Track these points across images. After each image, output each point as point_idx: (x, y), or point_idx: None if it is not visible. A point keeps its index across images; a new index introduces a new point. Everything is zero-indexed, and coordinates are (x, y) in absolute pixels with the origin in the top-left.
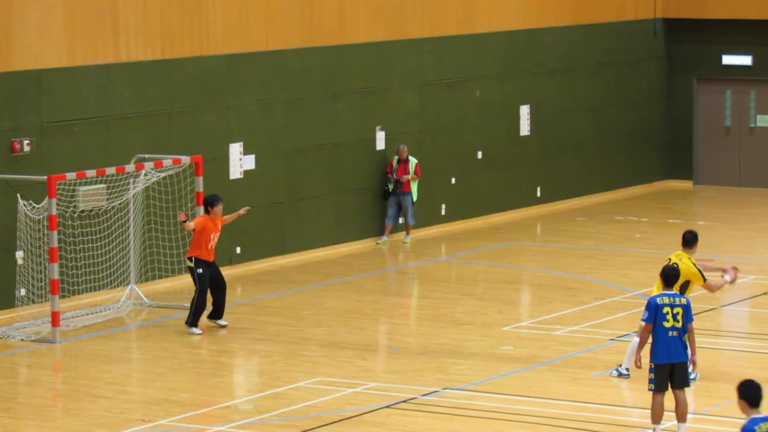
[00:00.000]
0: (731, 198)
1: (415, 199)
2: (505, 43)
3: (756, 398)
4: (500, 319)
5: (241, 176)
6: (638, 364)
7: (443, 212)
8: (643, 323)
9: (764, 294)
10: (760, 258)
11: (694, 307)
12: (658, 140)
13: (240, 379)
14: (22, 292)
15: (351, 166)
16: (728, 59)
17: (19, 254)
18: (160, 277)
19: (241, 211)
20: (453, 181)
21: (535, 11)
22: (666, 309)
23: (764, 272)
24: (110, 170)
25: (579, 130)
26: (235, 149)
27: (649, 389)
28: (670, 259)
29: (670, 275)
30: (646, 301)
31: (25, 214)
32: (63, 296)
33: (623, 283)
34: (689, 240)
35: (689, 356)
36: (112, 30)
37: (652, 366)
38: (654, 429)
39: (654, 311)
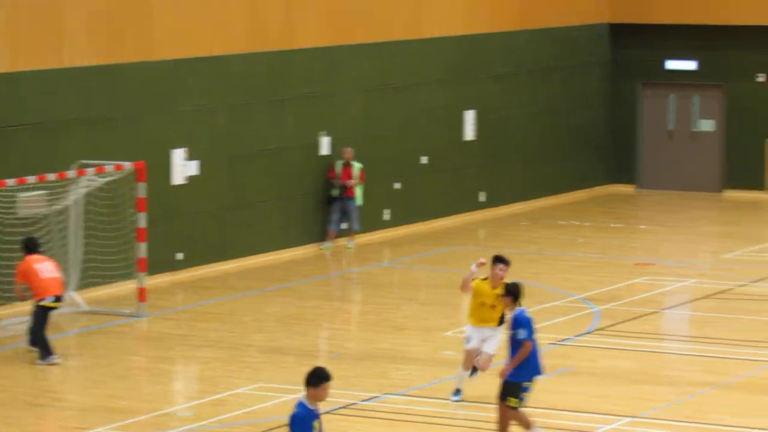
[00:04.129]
0: (674, 202)
1: (359, 204)
2: (451, 49)
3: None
4: (442, 323)
5: (185, 182)
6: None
7: (387, 217)
8: (526, 341)
9: (705, 297)
10: (702, 262)
11: (636, 311)
12: (602, 145)
13: (179, 386)
14: None
15: (295, 171)
16: (672, 64)
17: None
18: (100, 284)
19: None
20: (397, 186)
21: (481, 16)
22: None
23: (705, 276)
24: (51, 176)
25: (523, 134)
26: (179, 155)
27: (515, 406)
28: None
29: (522, 291)
30: (516, 318)
31: None
32: (1, 303)
33: (565, 287)
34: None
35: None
36: (56, 35)
37: (525, 386)
38: None
39: (531, 326)
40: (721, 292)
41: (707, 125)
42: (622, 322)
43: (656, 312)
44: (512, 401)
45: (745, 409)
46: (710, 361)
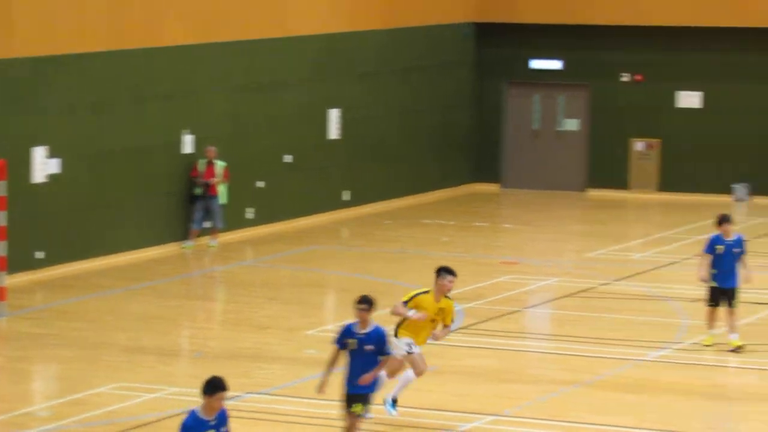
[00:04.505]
0: (538, 201)
1: (223, 202)
2: (316, 47)
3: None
4: (305, 322)
5: (46, 180)
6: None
7: (251, 216)
8: (390, 356)
9: (568, 296)
10: (566, 261)
11: (500, 310)
12: (467, 144)
13: (38, 386)
14: None
15: (158, 170)
16: (537, 63)
17: None
18: None
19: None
20: (261, 184)
21: (346, 15)
22: None
23: (569, 275)
24: None
25: (388, 133)
26: (40, 153)
27: (361, 413)
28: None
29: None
30: (382, 333)
31: None
32: None
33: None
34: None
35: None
36: None
37: (370, 397)
38: None
39: None
40: (584, 290)
41: (572, 124)
42: (486, 320)
43: (520, 310)
44: (360, 408)
45: (606, 407)
46: (572, 360)
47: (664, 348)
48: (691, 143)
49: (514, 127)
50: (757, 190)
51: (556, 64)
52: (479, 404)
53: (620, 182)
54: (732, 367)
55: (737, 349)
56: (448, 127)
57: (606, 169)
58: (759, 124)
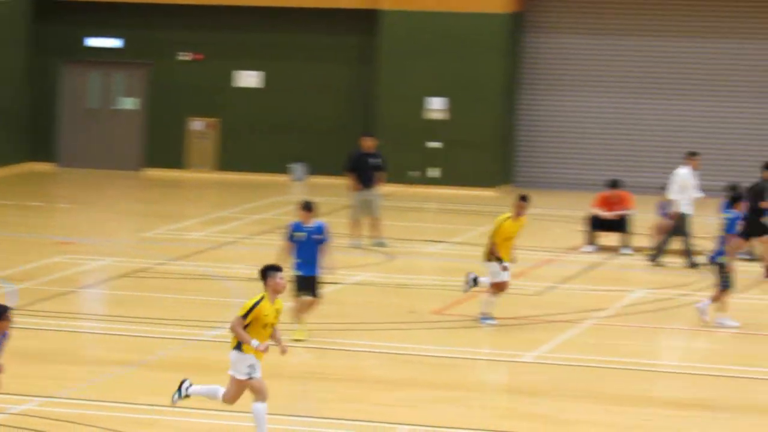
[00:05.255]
0: (94, 180)
1: None
2: None
3: None
4: None
5: None
6: None
7: None
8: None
9: (123, 276)
10: (122, 240)
11: (53, 290)
12: (21, 122)
13: None
14: None
15: None
16: (94, 41)
17: None
18: None
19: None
20: None
21: None
22: None
23: (125, 254)
24: None
25: None
26: None
27: None
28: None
29: None
30: None
31: None
32: None
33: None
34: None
35: None
36: None
37: None
38: None
39: None
40: (141, 270)
41: (130, 103)
42: (38, 301)
43: (74, 291)
44: None
45: (161, 388)
46: (127, 340)
47: (220, 327)
48: (250, 123)
49: (69, 105)
50: (315, 169)
51: (115, 43)
52: (30, 386)
53: (177, 162)
54: (287, 346)
55: (298, 341)
56: (1, 105)
57: (163, 148)
58: (317, 104)
